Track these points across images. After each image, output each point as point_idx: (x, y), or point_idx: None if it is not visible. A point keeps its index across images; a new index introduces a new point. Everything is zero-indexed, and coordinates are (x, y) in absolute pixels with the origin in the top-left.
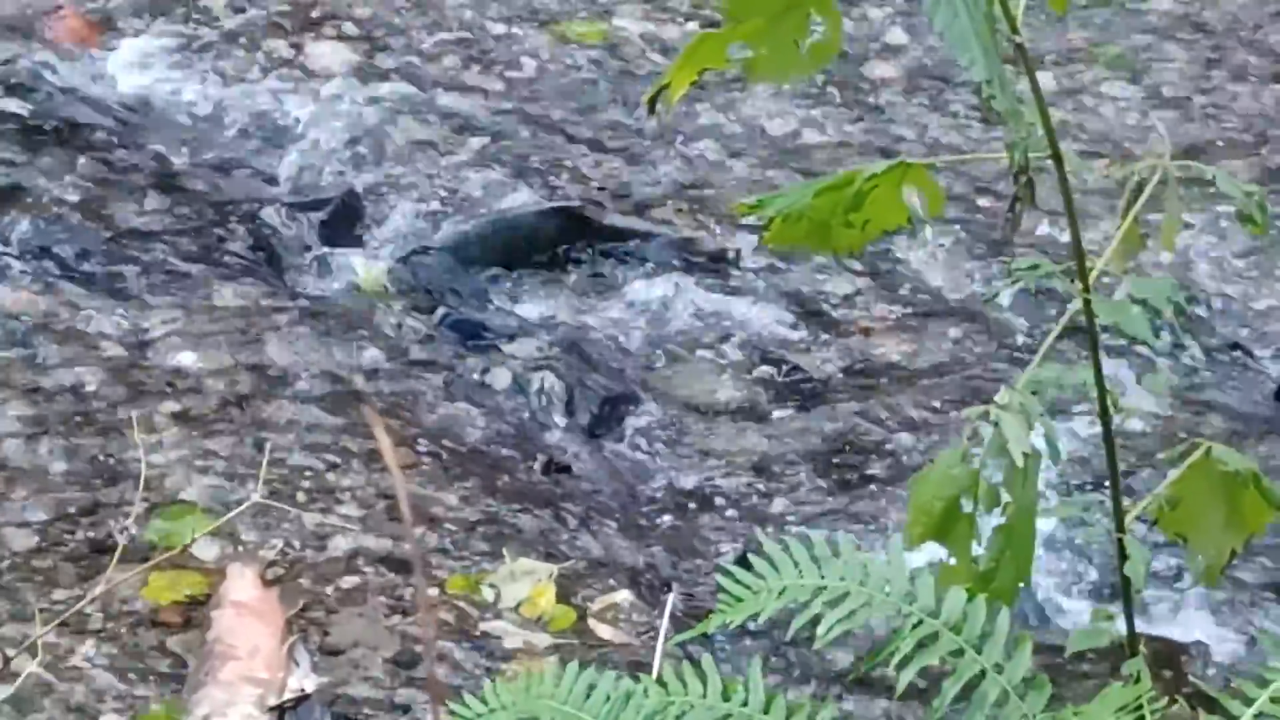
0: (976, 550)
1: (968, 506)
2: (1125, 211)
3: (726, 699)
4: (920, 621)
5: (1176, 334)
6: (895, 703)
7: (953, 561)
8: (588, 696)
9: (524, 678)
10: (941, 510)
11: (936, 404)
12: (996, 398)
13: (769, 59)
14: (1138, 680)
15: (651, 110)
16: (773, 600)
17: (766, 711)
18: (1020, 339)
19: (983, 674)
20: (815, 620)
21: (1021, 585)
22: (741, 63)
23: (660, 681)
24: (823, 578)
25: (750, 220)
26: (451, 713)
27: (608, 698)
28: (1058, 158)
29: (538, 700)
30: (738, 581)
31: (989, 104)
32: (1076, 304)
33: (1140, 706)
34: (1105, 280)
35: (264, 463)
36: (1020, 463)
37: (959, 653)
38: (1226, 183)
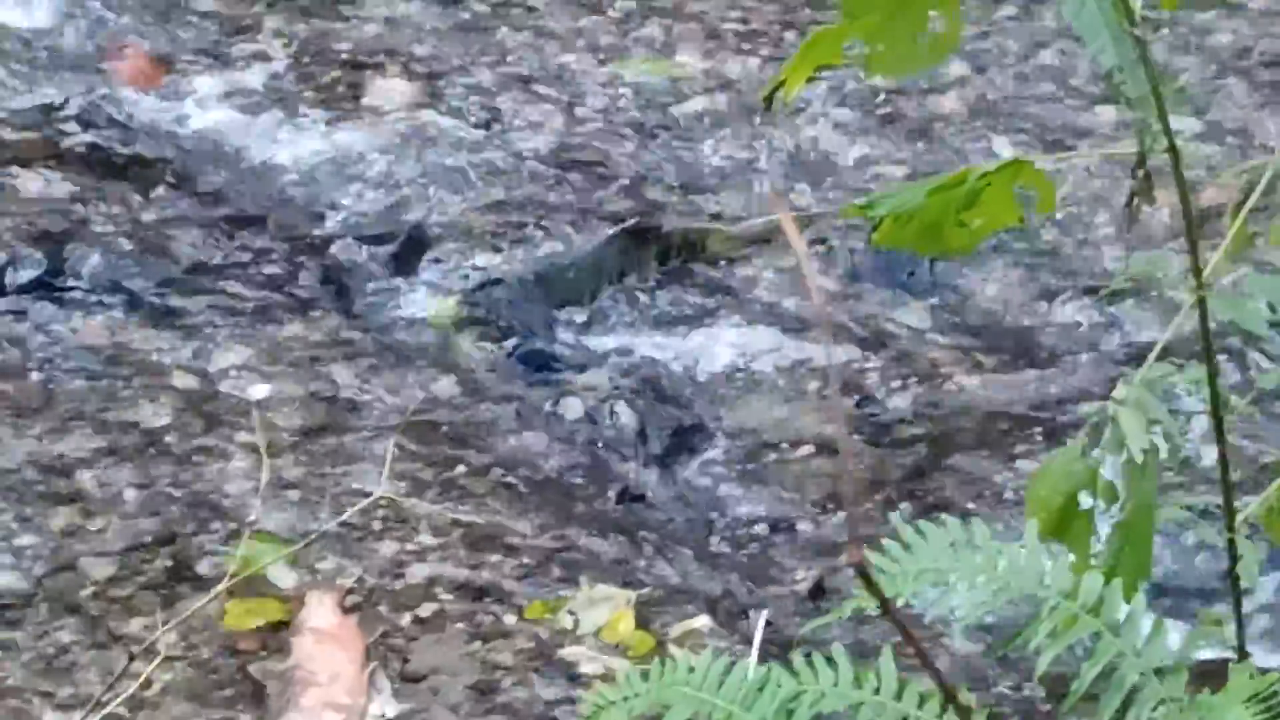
0: (1095, 547)
1: (1086, 503)
2: (1235, 211)
3: (858, 687)
4: (1057, 605)
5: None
6: (1028, 685)
7: (1071, 558)
8: (720, 685)
9: (656, 666)
10: (1060, 506)
11: (1008, 434)
12: (1114, 393)
13: (887, 53)
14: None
15: (769, 106)
16: (909, 582)
17: (899, 698)
18: (1087, 368)
19: (1120, 657)
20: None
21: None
22: (862, 58)
23: (792, 669)
24: (958, 562)
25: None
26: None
27: (741, 685)
28: (1174, 150)
29: (671, 687)
30: (875, 566)
31: (1118, 91)
32: (1190, 302)
33: (1271, 696)
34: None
35: (387, 458)
36: (1139, 459)
37: (1098, 636)
38: None
